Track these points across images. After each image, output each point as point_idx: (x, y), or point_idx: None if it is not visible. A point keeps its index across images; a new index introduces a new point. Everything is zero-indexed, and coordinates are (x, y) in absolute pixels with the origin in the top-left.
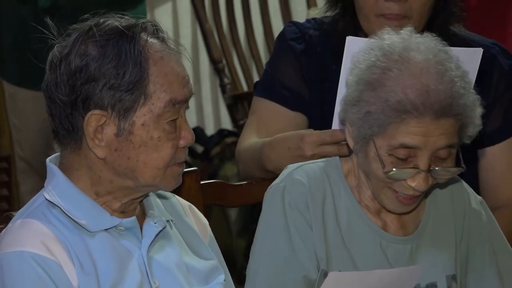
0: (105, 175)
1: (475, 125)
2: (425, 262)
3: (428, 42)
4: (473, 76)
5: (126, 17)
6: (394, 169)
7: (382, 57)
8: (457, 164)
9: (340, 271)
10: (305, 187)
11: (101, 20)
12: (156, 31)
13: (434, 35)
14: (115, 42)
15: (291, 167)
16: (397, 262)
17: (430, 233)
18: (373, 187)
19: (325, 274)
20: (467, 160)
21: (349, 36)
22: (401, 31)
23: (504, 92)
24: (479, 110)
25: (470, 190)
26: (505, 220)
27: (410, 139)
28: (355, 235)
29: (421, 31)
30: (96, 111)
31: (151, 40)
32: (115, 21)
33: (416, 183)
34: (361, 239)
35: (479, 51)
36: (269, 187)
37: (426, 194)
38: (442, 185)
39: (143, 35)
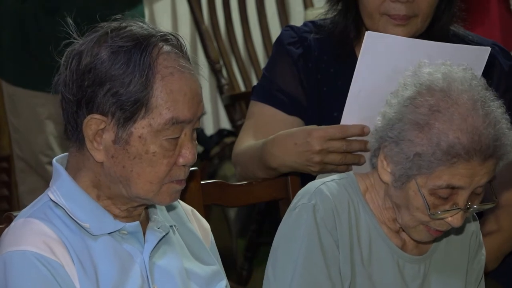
0: (104, 180)
1: (509, 158)
2: (438, 283)
3: (468, 77)
4: (478, 74)
5: (146, 24)
6: (439, 212)
7: (427, 93)
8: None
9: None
10: (332, 204)
11: (123, 25)
12: (179, 47)
13: (438, 35)
14: (128, 50)
15: (313, 184)
16: (412, 281)
17: (443, 255)
18: (404, 221)
19: None
20: None
21: (369, 31)
22: (438, 62)
23: (504, 93)
24: None
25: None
26: (503, 221)
27: (458, 180)
28: (374, 255)
29: (423, 31)
30: (97, 116)
31: (167, 54)
32: (136, 28)
33: (455, 220)
34: (381, 259)
35: (486, 50)
36: (293, 206)
37: None
38: None
39: (159, 48)
